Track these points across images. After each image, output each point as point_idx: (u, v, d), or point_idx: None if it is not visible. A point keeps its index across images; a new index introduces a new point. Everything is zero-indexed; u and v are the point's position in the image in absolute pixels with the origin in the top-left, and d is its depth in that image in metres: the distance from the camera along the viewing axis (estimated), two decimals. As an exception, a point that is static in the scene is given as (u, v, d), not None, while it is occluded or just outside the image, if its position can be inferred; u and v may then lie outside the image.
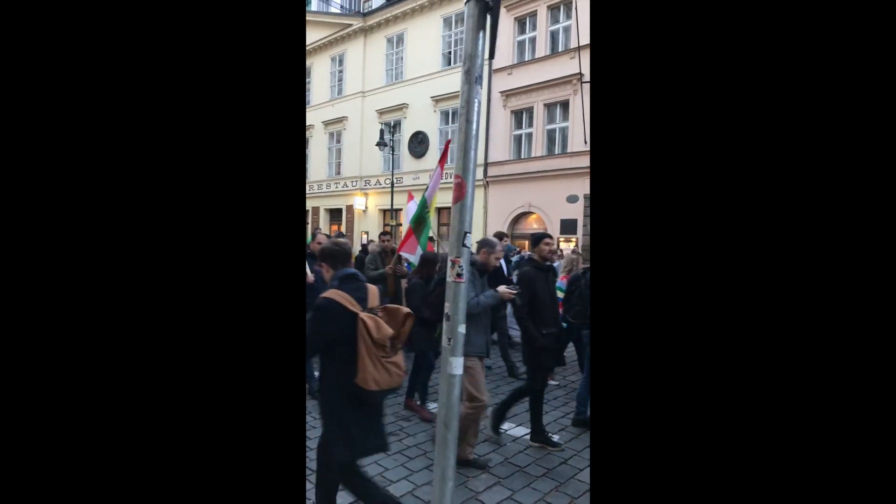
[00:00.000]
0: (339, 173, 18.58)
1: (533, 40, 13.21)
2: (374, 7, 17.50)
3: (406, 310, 1.96)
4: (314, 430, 3.88)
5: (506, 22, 13.25)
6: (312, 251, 4.30)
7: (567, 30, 12.50)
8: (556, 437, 3.40)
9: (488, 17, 1.70)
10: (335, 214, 18.02)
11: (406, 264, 5.02)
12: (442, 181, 4.88)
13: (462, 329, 1.74)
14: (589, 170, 8.30)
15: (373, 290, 2.02)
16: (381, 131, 14.70)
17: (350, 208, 17.71)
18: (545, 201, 12.62)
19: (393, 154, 14.94)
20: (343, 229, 17.35)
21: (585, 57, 9.20)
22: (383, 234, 5.58)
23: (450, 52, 15.11)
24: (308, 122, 19.31)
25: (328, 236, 4.72)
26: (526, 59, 13.29)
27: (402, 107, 16.13)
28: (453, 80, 14.71)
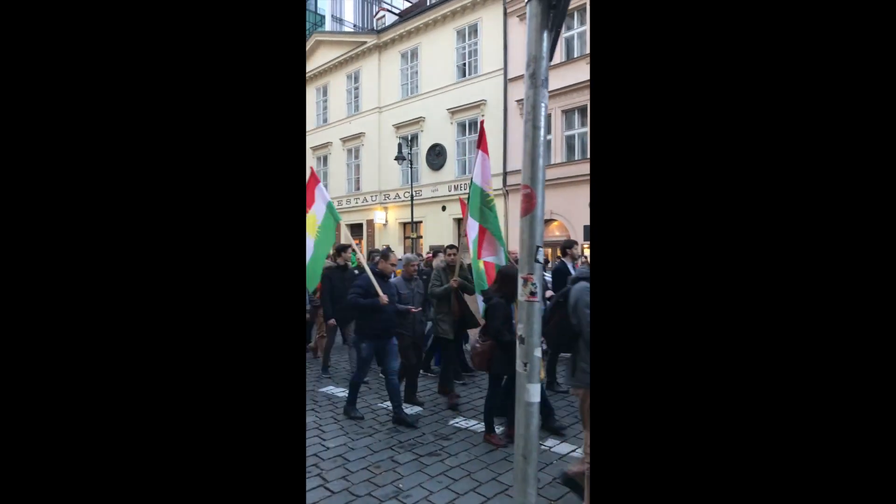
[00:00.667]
0: (358, 189, 18.70)
1: (548, 47, 13.17)
2: (387, 24, 17.71)
3: None
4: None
5: (518, 30, 13.23)
6: (382, 271, 4.08)
7: (581, 35, 12.49)
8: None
9: (551, 16, 1.60)
10: (355, 229, 18.03)
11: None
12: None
13: (538, 353, 1.61)
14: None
15: None
16: (399, 145, 14.74)
17: (370, 223, 17.75)
18: (567, 208, 12.45)
19: (411, 167, 14.96)
20: (364, 244, 17.38)
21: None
22: (450, 246, 4.97)
23: (464, 64, 15.15)
24: (326, 140, 19.56)
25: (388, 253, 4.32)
26: (541, 67, 13.24)
27: (418, 120, 16.19)
28: (468, 92, 14.77)
